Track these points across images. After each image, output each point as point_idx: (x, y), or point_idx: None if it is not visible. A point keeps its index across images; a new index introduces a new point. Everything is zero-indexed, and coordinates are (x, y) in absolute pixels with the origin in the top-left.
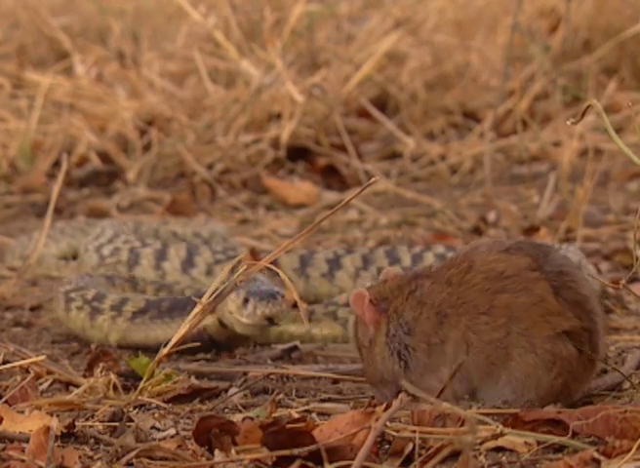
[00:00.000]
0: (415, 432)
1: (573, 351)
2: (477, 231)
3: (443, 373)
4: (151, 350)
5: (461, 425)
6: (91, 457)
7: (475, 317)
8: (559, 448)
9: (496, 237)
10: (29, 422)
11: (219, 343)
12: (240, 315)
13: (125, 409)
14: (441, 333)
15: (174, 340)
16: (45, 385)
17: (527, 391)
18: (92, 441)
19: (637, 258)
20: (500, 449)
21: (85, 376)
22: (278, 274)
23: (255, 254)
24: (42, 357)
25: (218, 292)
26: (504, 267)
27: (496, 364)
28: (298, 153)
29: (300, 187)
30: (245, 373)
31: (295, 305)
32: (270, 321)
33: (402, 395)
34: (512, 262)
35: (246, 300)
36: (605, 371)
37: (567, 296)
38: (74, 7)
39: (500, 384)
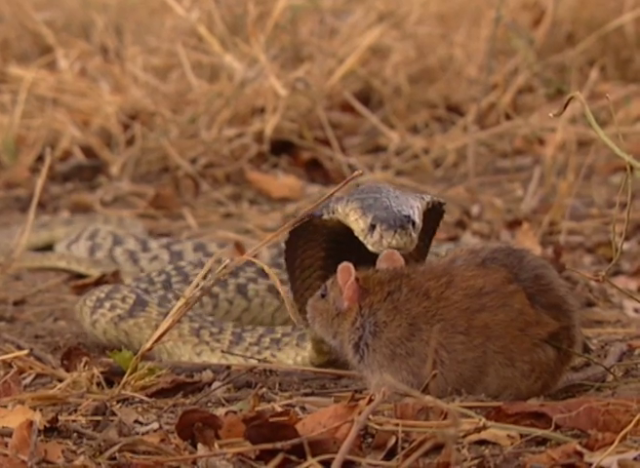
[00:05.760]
0: (398, 425)
1: (551, 353)
2: (461, 225)
3: (400, 379)
4: None
5: (444, 418)
6: (74, 451)
7: (451, 336)
8: (542, 441)
9: (476, 232)
10: (12, 416)
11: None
12: (365, 240)
13: (108, 404)
14: (409, 346)
15: (156, 334)
16: (28, 380)
17: (504, 397)
18: (75, 435)
19: (616, 249)
20: (482, 442)
21: (68, 371)
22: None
23: (240, 248)
24: (25, 351)
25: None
26: (483, 283)
27: (468, 381)
28: (281, 147)
29: (283, 181)
30: (228, 367)
31: None
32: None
33: (385, 389)
34: (490, 277)
35: (372, 227)
36: (588, 364)
37: (543, 302)
38: (57, 1)
39: (474, 394)
